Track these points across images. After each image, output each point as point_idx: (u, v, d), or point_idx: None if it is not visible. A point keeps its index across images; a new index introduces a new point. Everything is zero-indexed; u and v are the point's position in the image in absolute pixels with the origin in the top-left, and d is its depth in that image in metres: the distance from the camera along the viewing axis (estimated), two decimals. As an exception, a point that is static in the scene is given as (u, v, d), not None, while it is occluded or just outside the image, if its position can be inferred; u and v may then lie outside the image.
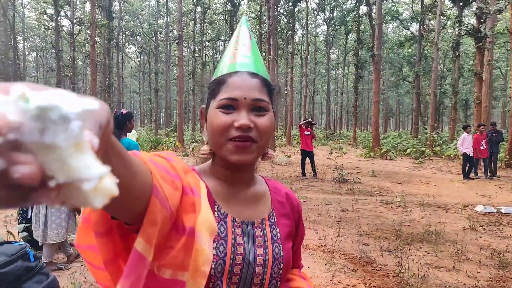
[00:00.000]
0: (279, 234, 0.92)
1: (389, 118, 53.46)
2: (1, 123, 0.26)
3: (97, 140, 0.32)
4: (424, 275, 4.06)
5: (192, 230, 0.64)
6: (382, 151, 18.43)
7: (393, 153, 18.66)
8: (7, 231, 4.74)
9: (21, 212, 4.71)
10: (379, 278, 4.02)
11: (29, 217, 4.50)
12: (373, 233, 5.66)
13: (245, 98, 0.83)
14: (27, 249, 1.10)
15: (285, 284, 0.98)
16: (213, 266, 0.79)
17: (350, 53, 36.00)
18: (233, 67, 0.89)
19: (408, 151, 19.14)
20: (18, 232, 4.30)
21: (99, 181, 0.31)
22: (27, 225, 4.33)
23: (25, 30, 47.00)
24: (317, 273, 4.14)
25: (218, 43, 45.93)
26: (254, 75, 0.87)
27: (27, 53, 55.49)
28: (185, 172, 0.69)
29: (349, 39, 41.05)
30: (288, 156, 17.10)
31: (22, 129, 0.27)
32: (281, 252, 0.89)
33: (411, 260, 4.50)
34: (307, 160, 11.42)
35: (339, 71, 54.10)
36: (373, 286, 3.84)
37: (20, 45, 46.56)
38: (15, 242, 1.13)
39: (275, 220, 0.94)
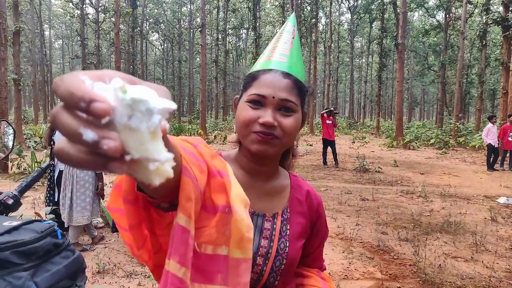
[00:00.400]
0: (288, 231, 0.94)
1: (413, 108, 52.38)
2: (108, 107, 0.33)
3: (168, 127, 0.40)
4: (440, 265, 4.09)
5: (225, 206, 0.66)
6: (405, 141, 18.18)
7: (416, 143, 18.39)
8: (35, 212, 5.00)
9: (49, 195, 4.94)
10: (396, 267, 4.08)
11: (56, 200, 4.73)
12: (392, 222, 5.69)
13: (273, 97, 0.86)
14: (55, 227, 1.22)
15: (299, 279, 1.01)
16: None
17: (374, 41, 35.23)
18: (268, 64, 0.92)
19: (432, 141, 18.81)
20: (46, 214, 4.53)
21: (163, 163, 0.39)
22: (54, 207, 4.55)
23: (51, 18, 48.00)
24: (334, 260, 4.22)
25: (241, 31, 45.81)
26: (287, 75, 0.89)
27: (53, 40, 56.74)
28: (211, 156, 0.72)
29: (374, 28, 40.21)
30: (310, 145, 17.11)
31: (116, 113, 0.34)
32: (287, 248, 0.91)
33: (428, 249, 4.53)
34: (329, 149, 11.41)
35: (363, 60, 53.18)
36: (389, 274, 3.90)
37: (47, 33, 47.66)
38: (44, 220, 1.25)
39: (288, 216, 0.96)
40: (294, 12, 1.16)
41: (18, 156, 9.04)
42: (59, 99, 0.34)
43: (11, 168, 9.34)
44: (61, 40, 58.86)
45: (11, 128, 1.64)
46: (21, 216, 4.46)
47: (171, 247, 0.61)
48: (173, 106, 0.38)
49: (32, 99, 34.52)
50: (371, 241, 4.86)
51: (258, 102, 0.87)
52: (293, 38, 0.98)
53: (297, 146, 1.03)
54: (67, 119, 0.33)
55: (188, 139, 0.72)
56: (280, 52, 0.94)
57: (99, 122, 0.34)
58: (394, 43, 21.12)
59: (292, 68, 0.91)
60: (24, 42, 31.37)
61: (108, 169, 0.36)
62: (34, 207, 5.83)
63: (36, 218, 4.40)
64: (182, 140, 0.70)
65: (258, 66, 0.94)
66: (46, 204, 4.96)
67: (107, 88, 0.34)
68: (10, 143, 1.63)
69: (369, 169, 10.66)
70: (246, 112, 0.87)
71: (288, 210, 0.97)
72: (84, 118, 0.34)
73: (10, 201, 1.48)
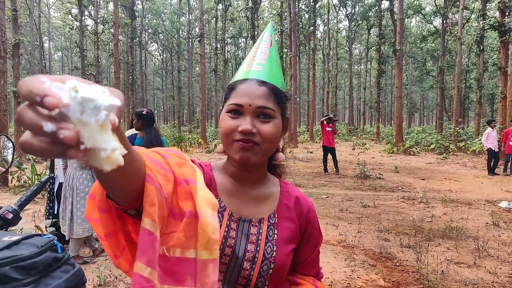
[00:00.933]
0: (276, 235, 0.95)
1: (413, 113, 52.44)
2: (58, 101, 0.39)
3: (117, 121, 0.45)
4: (443, 271, 4.07)
5: (192, 212, 0.69)
6: (406, 146, 18.18)
7: (416, 148, 18.39)
8: (35, 225, 4.97)
9: (48, 208, 4.93)
10: (398, 274, 4.06)
11: (55, 212, 4.72)
12: (393, 229, 5.67)
13: (250, 105, 0.89)
14: (55, 241, 1.22)
15: (292, 287, 1.02)
16: None
17: (373, 48, 35.43)
18: (246, 75, 0.95)
19: (432, 146, 18.81)
20: (46, 227, 4.51)
21: (112, 152, 0.45)
22: (54, 220, 4.53)
23: (51, 30, 48.29)
24: (337, 268, 4.20)
25: (239, 40, 46.06)
26: (262, 83, 0.92)
27: (52, 52, 57.06)
28: (179, 165, 0.75)
29: (371, 34, 40.40)
30: (311, 152, 17.10)
31: (69, 108, 0.41)
32: (274, 252, 0.92)
33: (430, 256, 4.51)
34: (329, 156, 11.42)
35: (362, 66, 53.39)
36: (392, 281, 3.88)
37: (46, 45, 47.94)
38: (44, 234, 1.25)
39: (276, 221, 0.97)
40: (271, 22, 1.17)
41: (18, 169, 9.04)
42: (21, 98, 0.40)
43: (11, 181, 9.33)
44: (60, 52, 59.18)
45: (10, 142, 1.64)
46: (21, 229, 4.45)
47: (138, 250, 0.63)
48: (118, 103, 0.44)
49: (32, 111, 34.54)
50: (373, 248, 4.83)
51: (237, 112, 0.90)
52: (270, 47, 1.01)
53: (282, 151, 1.05)
54: (30, 114, 0.40)
55: (158, 150, 0.76)
56: (256, 62, 0.97)
57: (56, 117, 0.40)
58: (392, 49, 21.21)
59: (268, 76, 0.94)
60: (24, 54, 31.56)
61: (66, 156, 0.42)
62: (35, 220, 5.80)
63: (36, 231, 4.37)
64: (153, 151, 0.75)
65: (236, 77, 0.97)
66: (46, 217, 4.94)
67: (63, 87, 0.41)
68: (10, 157, 1.63)
69: (370, 175, 10.64)
70: (226, 122, 0.90)
71: (276, 216, 0.98)
72: (45, 114, 0.40)
73: (10, 216, 1.48)
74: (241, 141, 0.88)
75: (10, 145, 1.64)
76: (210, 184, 0.97)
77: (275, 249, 0.92)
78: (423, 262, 4.25)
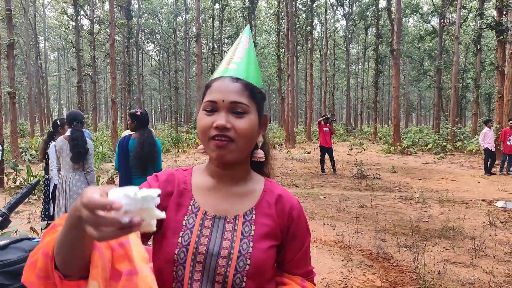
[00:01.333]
0: (252, 232, 0.94)
1: (410, 113, 52.56)
2: (120, 205, 0.60)
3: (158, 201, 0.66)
4: (440, 271, 4.06)
5: (131, 270, 0.79)
6: (403, 146, 18.20)
7: (413, 148, 18.42)
8: (31, 227, 4.92)
9: (44, 209, 4.90)
10: (395, 274, 4.05)
11: (51, 214, 4.68)
12: (390, 229, 5.66)
13: (223, 101, 0.91)
14: (45, 246, 1.18)
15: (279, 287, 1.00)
16: (176, 252, 0.92)
17: (370, 48, 35.48)
18: (222, 73, 0.97)
19: (429, 146, 18.84)
20: (41, 229, 4.47)
21: (155, 219, 0.67)
22: (49, 222, 4.49)
23: (46, 30, 48.08)
24: (334, 269, 4.18)
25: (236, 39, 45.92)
26: (236, 79, 0.94)
27: (48, 52, 56.85)
28: None
29: (369, 34, 40.45)
30: (308, 152, 17.09)
31: (127, 205, 0.62)
32: (250, 248, 0.92)
33: (427, 256, 4.50)
34: (327, 156, 11.41)
35: (359, 66, 53.39)
36: (389, 281, 3.86)
37: (42, 45, 47.76)
38: (33, 238, 1.22)
39: (253, 218, 0.97)
40: (248, 25, 1.19)
41: (13, 170, 8.97)
42: (93, 207, 0.60)
43: (7, 183, 9.26)
44: (56, 52, 58.99)
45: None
46: (16, 231, 4.41)
47: None
48: (159, 191, 0.67)
49: (28, 112, 34.50)
50: (370, 249, 4.82)
51: (212, 109, 0.93)
52: (247, 47, 1.03)
53: (267, 149, 1.08)
54: (110, 217, 0.60)
55: None
56: (233, 61, 1.00)
57: (122, 212, 0.62)
58: (389, 49, 21.23)
59: (243, 73, 0.96)
60: (19, 54, 31.43)
61: (131, 231, 0.63)
62: (30, 222, 5.76)
63: (31, 234, 4.30)
64: None
65: (213, 77, 1.00)
66: (42, 218, 4.91)
67: (119, 192, 0.63)
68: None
69: (367, 175, 10.64)
70: (202, 120, 0.93)
71: (254, 212, 0.98)
72: (115, 214, 0.61)
73: (-1, 219, 1.45)
74: (216, 137, 0.90)
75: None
76: (185, 188, 1.01)
77: (251, 245, 0.92)
78: (420, 262, 4.24)
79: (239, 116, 0.92)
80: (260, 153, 1.02)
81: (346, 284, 3.82)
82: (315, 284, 1.07)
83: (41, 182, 5.46)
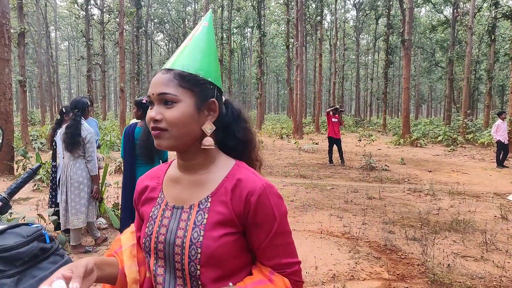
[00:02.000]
0: (205, 220, 0.94)
1: (420, 105, 51.95)
2: None
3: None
4: (449, 264, 3.99)
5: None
6: (412, 138, 17.99)
7: (423, 140, 18.20)
8: (38, 214, 4.96)
9: (51, 196, 4.91)
10: (403, 267, 3.99)
11: (57, 201, 4.69)
12: (399, 221, 5.59)
13: (152, 94, 0.95)
14: (43, 231, 1.16)
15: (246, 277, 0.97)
16: (143, 242, 1.02)
17: (380, 38, 34.95)
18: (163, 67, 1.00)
19: (440, 138, 18.61)
20: (48, 216, 4.49)
21: None
22: (56, 209, 4.50)
23: (57, 19, 48.25)
24: (340, 260, 4.14)
25: (246, 29, 45.73)
26: (167, 71, 0.96)
27: (59, 42, 57.11)
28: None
29: (380, 24, 39.89)
30: (316, 143, 17.00)
31: None
32: (200, 237, 0.92)
33: (437, 248, 4.43)
34: (335, 147, 11.32)
35: (369, 57, 52.84)
36: (397, 274, 3.81)
37: (53, 34, 47.95)
38: (32, 224, 1.19)
39: (208, 206, 0.96)
40: (211, 9, 1.15)
41: (23, 158, 9.04)
42: None
43: (17, 170, 9.35)
44: (67, 42, 59.23)
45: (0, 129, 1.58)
46: (23, 218, 4.44)
47: None
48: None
49: (39, 101, 34.74)
50: (378, 241, 4.76)
51: (151, 103, 0.97)
52: (196, 34, 1.03)
53: (254, 141, 1.08)
54: None
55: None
56: (175, 53, 1.02)
57: None
58: (400, 39, 20.91)
59: (176, 63, 0.97)
60: (30, 43, 31.59)
61: None
62: (38, 209, 5.80)
63: (39, 220, 4.32)
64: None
65: None
66: (49, 205, 4.93)
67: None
68: (-1, 142, 1.57)
69: (376, 167, 10.54)
70: (147, 114, 0.97)
71: (209, 200, 0.97)
72: None
73: (-1, 204, 1.42)
74: (152, 129, 0.95)
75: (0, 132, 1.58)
76: (158, 182, 1.09)
77: (202, 233, 0.93)
78: (429, 255, 4.17)
79: (169, 106, 0.93)
80: (207, 140, 0.97)
81: (352, 275, 3.77)
82: (298, 280, 0.99)
83: (48, 169, 5.49)
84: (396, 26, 28.30)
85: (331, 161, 11.40)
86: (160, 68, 1.00)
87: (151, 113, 0.94)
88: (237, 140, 1.04)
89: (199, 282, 0.93)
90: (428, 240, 4.70)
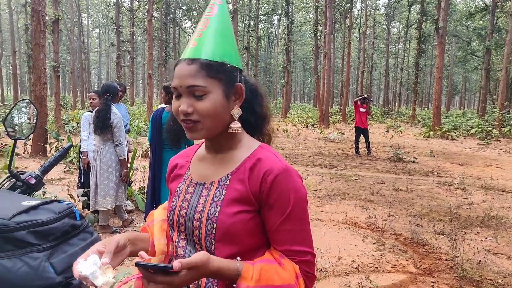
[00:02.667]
0: (222, 197, 0.96)
1: (453, 96, 50.29)
2: (77, 274, 0.82)
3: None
4: (480, 261, 3.87)
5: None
6: (443, 130, 17.45)
7: (455, 132, 17.62)
8: (69, 194, 5.12)
9: (80, 178, 5.07)
10: (431, 261, 3.89)
11: (84, 182, 4.83)
12: (427, 214, 5.45)
13: (180, 87, 0.93)
14: (74, 209, 1.18)
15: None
16: (168, 215, 1.07)
17: (413, 26, 33.89)
18: (183, 55, 0.98)
19: (473, 131, 17.94)
20: (78, 196, 4.63)
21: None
22: (86, 189, 4.63)
23: (89, 7, 49.15)
24: (365, 252, 4.09)
25: (273, 17, 45.25)
26: (191, 61, 0.93)
27: (90, 29, 58.26)
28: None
29: (412, 12, 38.63)
30: (342, 133, 16.77)
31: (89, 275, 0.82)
32: (216, 213, 0.94)
33: (467, 244, 4.30)
34: (362, 137, 11.13)
35: (400, 46, 51.38)
36: (424, 268, 3.72)
37: (85, 22, 48.94)
38: (63, 201, 1.21)
39: (227, 183, 0.98)
40: None
41: (56, 140, 9.35)
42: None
43: (50, 151, 9.68)
44: (98, 29, 60.35)
45: (34, 108, 1.62)
46: (55, 197, 4.59)
47: None
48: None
49: (71, 86, 35.69)
50: (404, 233, 4.67)
51: (178, 94, 0.96)
52: (211, 15, 1.00)
53: (268, 125, 1.11)
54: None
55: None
56: (193, 38, 0.99)
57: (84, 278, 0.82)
58: (434, 27, 20.15)
59: (200, 51, 0.95)
60: (64, 30, 32.36)
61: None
62: (68, 189, 5.99)
63: (70, 200, 4.47)
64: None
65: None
66: (78, 187, 5.08)
67: (86, 263, 0.84)
68: (33, 123, 1.61)
69: (404, 158, 10.31)
70: (173, 104, 0.98)
71: (229, 178, 0.99)
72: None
73: (33, 181, 1.46)
74: (183, 122, 0.95)
75: (34, 111, 1.62)
76: (187, 160, 1.13)
77: (218, 209, 0.95)
78: (458, 250, 4.06)
79: (200, 98, 0.92)
80: (235, 125, 0.99)
81: (377, 267, 3.72)
82: (308, 272, 0.96)
83: (79, 152, 5.66)
84: (430, 13, 27.27)
85: (357, 151, 11.22)
86: (181, 57, 0.98)
87: (182, 106, 0.93)
88: (256, 116, 1.07)
89: None
90: (457, 235, 4.56)
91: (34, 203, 1.21)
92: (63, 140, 9.93)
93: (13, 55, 30.79)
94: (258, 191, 0.94)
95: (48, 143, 9.72)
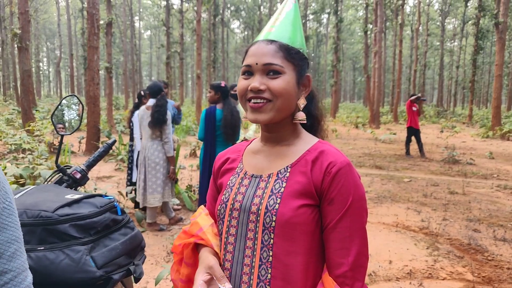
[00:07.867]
0: (282, 189, 0.93)
1: (513, 95, 47.00)
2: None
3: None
4: (548, 272, 3.53)
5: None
6: (504, 131, 16.33)
7: (517, 133, 16.42)
8: (118, 191, 5.29)
9: (127, 175, 5.22)
10: (491, 269, 3.61)
11: (133, 180, 4.96)
12: (486, 219, 5.08)
13: (256, 64, 0.93)
14: (115, 203, 1.17)
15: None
16: (218, 208, 1.04)
17: (470, 22, 32.07)
18: (258, 38, 0.99)
19: (537, 132, 16.65)
20: (126, 193, 4.76)
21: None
22: (134, 187, 4.75)
23: (141, 10, 51.08)
24: (417, 256, 3.87)
25: (322, 16, 44.62)
26: (270, 42, 0.95)
27: (142, 31, 60.55)
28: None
29: (469, 7, 36.55)
30: (394, 134, 16.17)
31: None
32: (276, 205, 0.91)
33: (532, 253, 3.95)
34: (413, 139, 10.65)
35: (455, 43, 48.84)
36: (483, 276, 3.45)
37: (137, 24, 50.95)
38: (106, 195, 1.20)
39: (287, 176, 0.95)
40: None
41: (108, 139, 9.76)
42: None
43: (103, 149, 10.12)
44: (149, 31, 62.60)
45: (80, 104, 1.64)
46: (105, 193, 4.76)
47: None
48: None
49: (123, 87, 37.29)
50: (461, 239, 4.37)
51: (248, 72, 0.96)
52: (288, 9, 1.03)
53: (321, 117, 1.10)
54: None
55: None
56: (270, 25, 1.01)
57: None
58: (493, 22, 18.93)
59: (278, 35, 0.97)
60: (116, 33, 33.89)
61: None
62: (118, 186, 6.20)
63: (118, 199, 4.58)
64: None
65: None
66: (127, 184, 5.24)
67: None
68: (79, 118, 1.63)
69: (460, 160, 9.74)
70: (240, 84, 0.97)
71: (289, 170, 0.96)
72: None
73: (78, 175, 1.48)
74: (252, 99, 0.94)
75: (81, 107, 1.64)
76: (238, 154, 1.11)
77: (278, 201, 0.92)
78: (522, 259, 3.73)
79: (274, 76, 0.92)
80: (300, 115, 0.99)
81: (430, 273, 3.50)
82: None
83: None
84: (488, 8, 25.66)
85: (408, 153, 10.74)
86: (256, 39, 0.99)
87: (254, 83, 0.92)
88: (313, 118, 1.07)
89: (270, 253, 0.91)
90: (521, 242, 4.21)
91: (76, 196, 1.22)
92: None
93: (70, 58, 32.68)
94: (320, 183, 0.92)
95: (100, 142, 10.17)
